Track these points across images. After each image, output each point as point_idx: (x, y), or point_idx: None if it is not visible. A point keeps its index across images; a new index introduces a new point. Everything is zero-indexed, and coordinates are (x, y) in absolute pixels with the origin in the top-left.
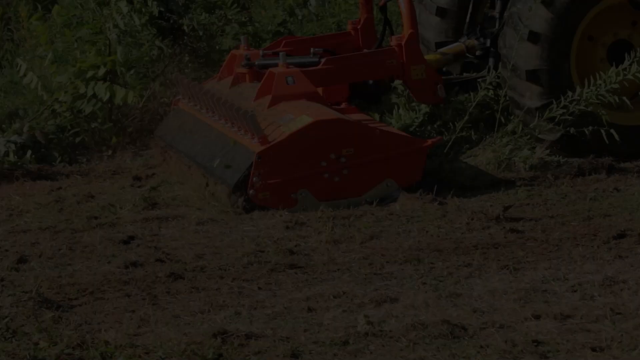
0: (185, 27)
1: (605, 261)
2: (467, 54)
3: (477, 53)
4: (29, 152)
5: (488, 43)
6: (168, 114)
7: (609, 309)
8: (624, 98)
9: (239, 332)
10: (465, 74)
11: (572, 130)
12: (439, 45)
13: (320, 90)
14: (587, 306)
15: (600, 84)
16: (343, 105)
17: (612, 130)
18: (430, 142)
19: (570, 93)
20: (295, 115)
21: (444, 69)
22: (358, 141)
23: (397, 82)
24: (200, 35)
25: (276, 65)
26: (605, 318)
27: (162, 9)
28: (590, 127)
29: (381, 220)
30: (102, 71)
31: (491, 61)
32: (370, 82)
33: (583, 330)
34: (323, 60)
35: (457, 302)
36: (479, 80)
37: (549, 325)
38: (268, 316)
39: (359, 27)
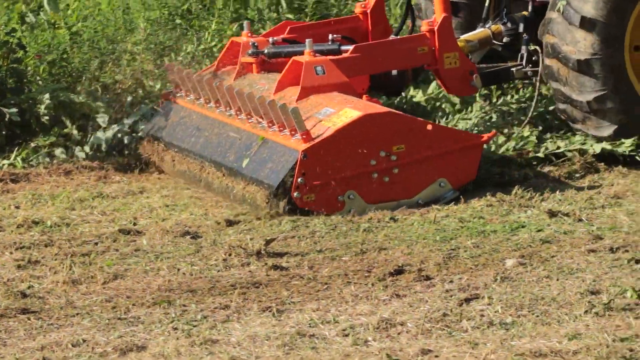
0: None
1: (380, 301)
2: (494, 41)
3: (504, 40)
4: None
5: (520, 28)
6: (158, 110)
7: (385, 355)
8: None
9: None
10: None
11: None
12: None
13: None
14: (361, 352)
15: None
16: (364, 99)
17: None
18: (486, 137)
19: None
20: (336, 109)
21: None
22: (410, 137)
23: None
24: None
25: (294, 53)
26: None
27: None
28: None
29: (126, 257)
30: None
31: (524, 49)
32: (394, 72)
33: None
34: (350, 48)
35: (213, 349)
36: (512, 70)
37: None
38: None
39: (368, 10)
